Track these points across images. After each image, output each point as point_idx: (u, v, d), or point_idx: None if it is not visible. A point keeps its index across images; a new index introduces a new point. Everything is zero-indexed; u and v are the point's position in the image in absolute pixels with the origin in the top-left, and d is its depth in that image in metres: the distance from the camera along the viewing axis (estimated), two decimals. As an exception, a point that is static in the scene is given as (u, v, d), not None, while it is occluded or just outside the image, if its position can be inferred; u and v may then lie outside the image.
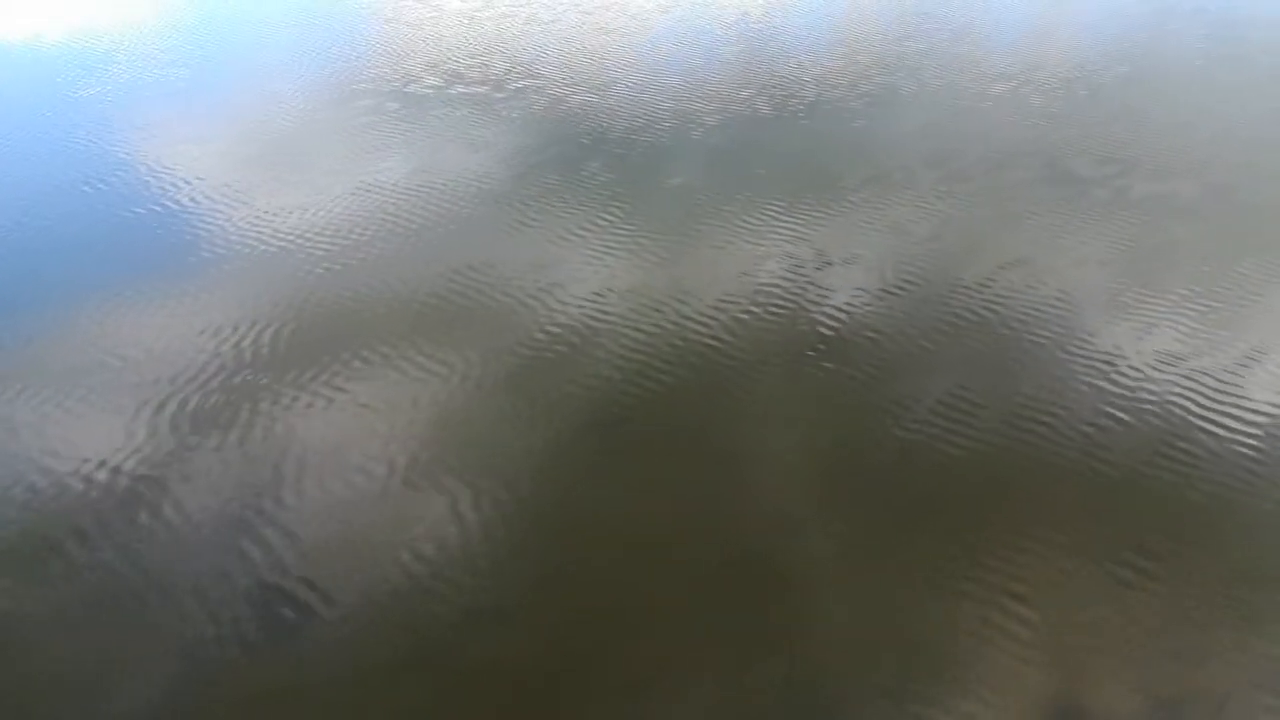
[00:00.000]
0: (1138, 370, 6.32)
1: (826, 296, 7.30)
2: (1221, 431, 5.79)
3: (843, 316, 7.04)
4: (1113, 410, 5.98)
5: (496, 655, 4.65)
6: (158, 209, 9.07)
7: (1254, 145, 9.49)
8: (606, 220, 8.57)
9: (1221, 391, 6.11)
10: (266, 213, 8.91)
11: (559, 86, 11.85)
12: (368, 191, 9.26)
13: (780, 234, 8.22)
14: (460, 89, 11.85)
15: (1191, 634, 4.56)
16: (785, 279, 7.55)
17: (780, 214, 8.55)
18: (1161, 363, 6.38)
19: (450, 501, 5.54)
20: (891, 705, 4.33)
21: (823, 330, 6.91)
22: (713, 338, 6.88)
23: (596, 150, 10.00)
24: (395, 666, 4.62)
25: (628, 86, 11.77)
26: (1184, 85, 11.06)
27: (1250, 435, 5.75)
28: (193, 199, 9.24)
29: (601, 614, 4.84)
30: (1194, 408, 5.97)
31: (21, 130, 11.12)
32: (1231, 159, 9.19)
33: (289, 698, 4.50)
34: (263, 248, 8.32)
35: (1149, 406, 6.00)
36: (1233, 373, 6.26)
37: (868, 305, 7.17)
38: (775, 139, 10.09)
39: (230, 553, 5.27)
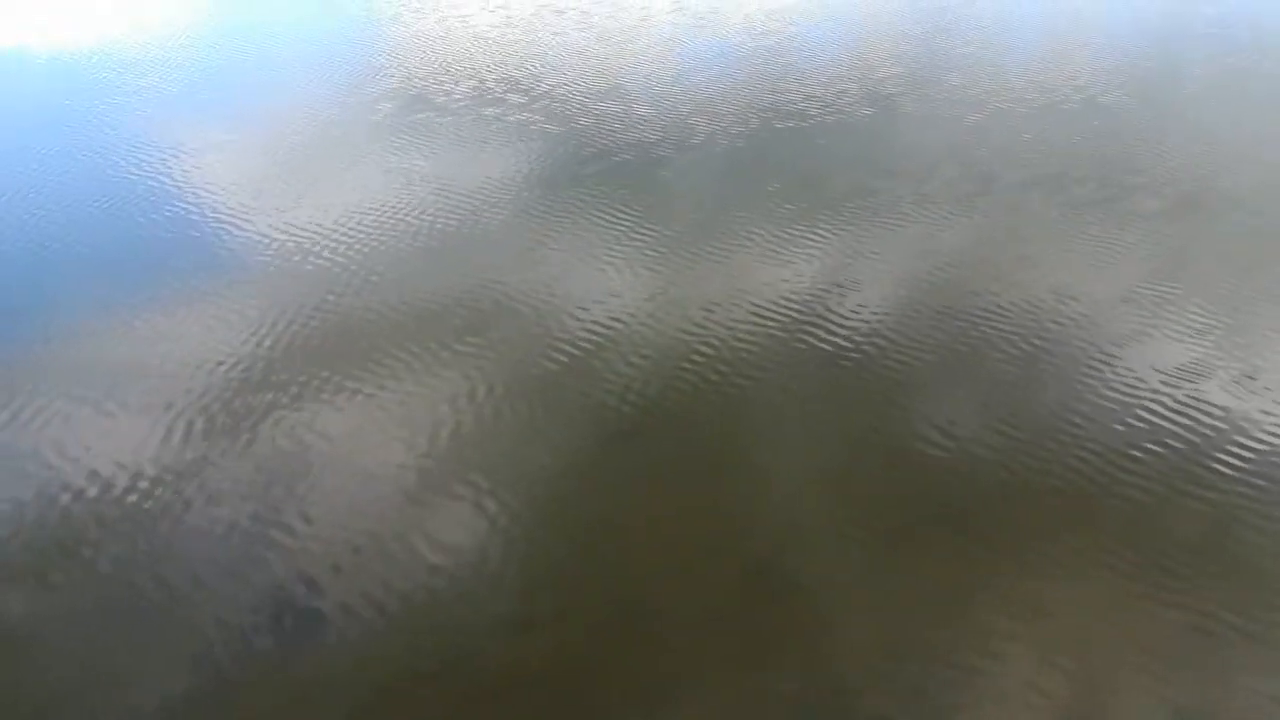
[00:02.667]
0: (1157, 385, 6.44)
1: (841, 310, 7.41)
2: (1246, 445, 5.88)
3: (862, 329, 7.15)
4: (1133, 424, 6.09)
5: (513, 665, 4.66)
6: (178, 218, 9.07)
7: (1272, 166, 9.68)
8: (620, 234, 8.65)
9: (1245, 407, 6.21)
10: (283, 222, 8.92)
11: (572, 99, 11.90)
12: (381, 202, 9.29)
13: (794, 248, 8.34)
14: (467, 102, 11.87)
15: (1213, 648, 4.64)
16: (799, 292, 7.65)
17: (793, 228, 8.67)
18: (1181, 378, 6.50)
19: (468, 511, 5.55)
20: (909, 716, 4.35)
21: (842, 342, 7.01)
22: (727, 350, 6.96)
23: (610, 164, 10.07)
24: (412, 675, 4.61)
25: (642, 100, 11.84)
26: (1200, 104, 11.31)
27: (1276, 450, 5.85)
28: (213, 208, 9.24)
29: (619, 624, 4.87)
30: (1216, 423, 6.08)
31: (36, 137, 11.12)
32: (1248, 177, 9.38)
33: (307, 703, 4.48)
34: (279, 257, 8.33)
35: (1170, 421, 6.11)
36: (1256, 390, 6.37)
37: (881, 319, 7.28)
38: (787, 155, 10.23)
39: (250, 558, 5.25)
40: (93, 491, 5.71)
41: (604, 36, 14.57)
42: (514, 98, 12.05)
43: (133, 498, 5.67)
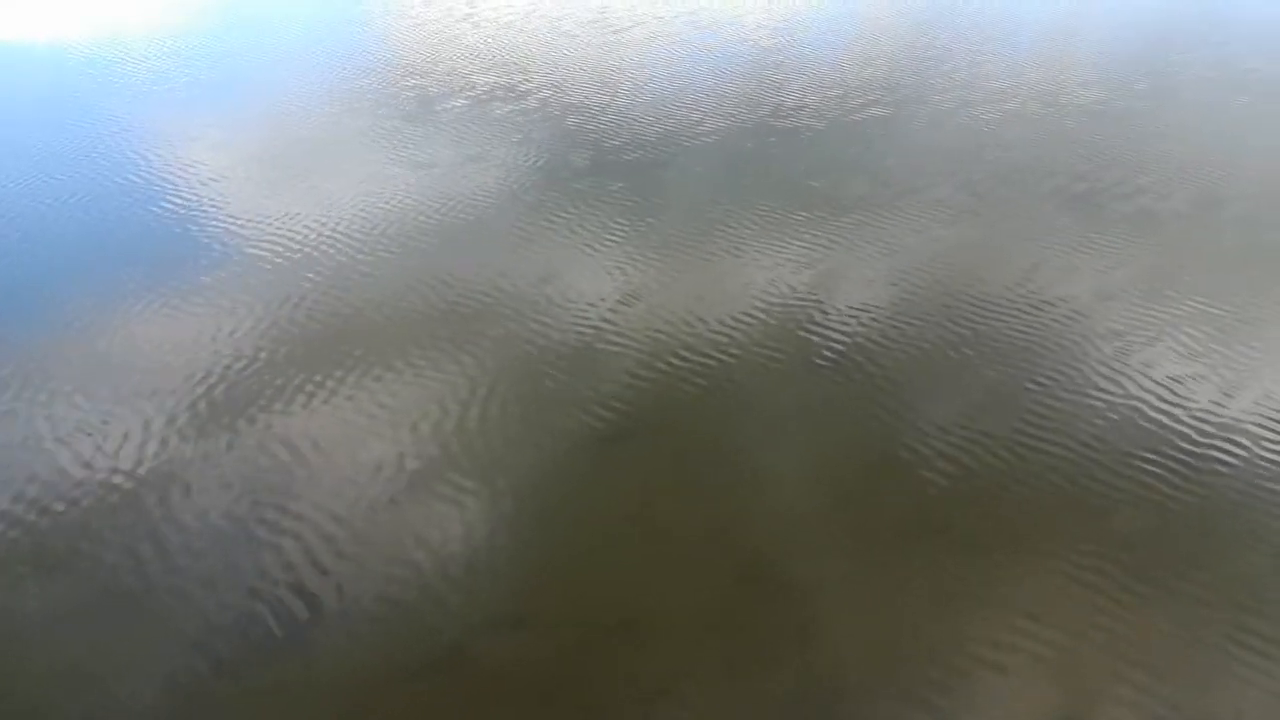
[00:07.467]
0: (1153, 392, 6.34)
1: (836, 311, 7.31)
2: (1243, 454, 5.78)
3: (852, 332, 7.06)
4: (1127, 432, 5.99)
5: (505, 663, 4.58)
6: (170, 213, 9.08)
7: (1271, 174, 9.58)
8: (613, 234, 8.58)
9: (1245, 414, 6.10)
10: (279, 219, 8.92)
11: (566, 100, 11.89)
12: (378, 200, 9.29)
13: (790, 249, 8.26)
14: (466, 101, 11.83)
15: (1206, 655, 4.54)
16: (794, 293, 7.57)
17: (790, 229, 8.59)
18: (1177, 385, 6.39)
19: (460, 509, 5.48)
20: (903, 718, 4.31)
21: (832, 345, 6.91)
22: (721, 351, 6.87)
23: (604, 164, 10.03)
24: (405, 671, 4.55)
25: (635, 101, 11.82)
26: (1198, 110, 11.26)
27: (1274, 458, 5.76)
28: (207, 204, 9.26)
29: (612, 624, 4.78)
30: (1213, 430, 5.97)
31: (35, 131, 11.17)
32: (1248, 186, 9.28)
33: (298, 698, 4.42)
34: (275, 253, 8.32)
35: (1165, 428, 6.01)
36: (1256, 396, 6.26)
37: (877, 321, 7.19)
38: (784, 156, 10.17)
39: (240, 553, 5.20)
40: (85, 488, 5.66)
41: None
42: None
43: (124, 493, 5.61)
